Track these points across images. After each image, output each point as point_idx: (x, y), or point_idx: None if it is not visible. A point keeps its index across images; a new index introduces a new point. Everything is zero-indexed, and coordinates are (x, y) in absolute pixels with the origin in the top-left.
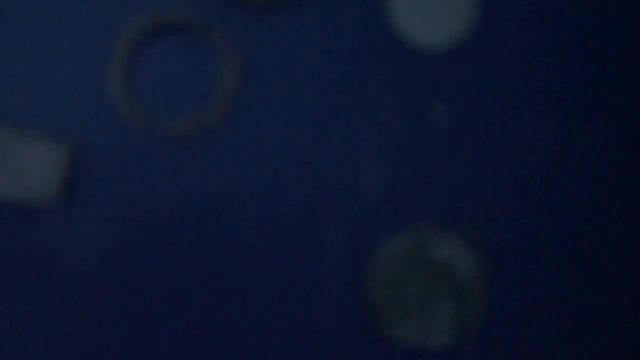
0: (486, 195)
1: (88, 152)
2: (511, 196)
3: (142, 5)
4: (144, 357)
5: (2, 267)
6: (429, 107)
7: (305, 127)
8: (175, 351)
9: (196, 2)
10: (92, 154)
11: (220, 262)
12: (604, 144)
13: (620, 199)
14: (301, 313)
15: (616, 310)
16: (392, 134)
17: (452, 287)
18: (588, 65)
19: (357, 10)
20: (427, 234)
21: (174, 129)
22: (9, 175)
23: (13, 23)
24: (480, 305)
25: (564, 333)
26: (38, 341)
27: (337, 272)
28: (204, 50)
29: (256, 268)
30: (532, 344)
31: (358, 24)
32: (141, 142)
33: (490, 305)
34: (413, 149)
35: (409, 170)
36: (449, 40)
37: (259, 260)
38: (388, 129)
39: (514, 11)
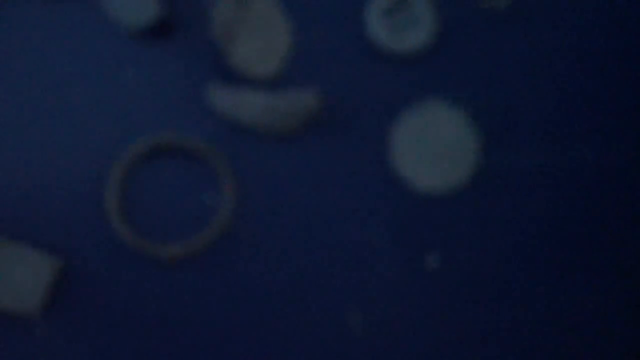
0: (476, 341)
1: (79, 268)
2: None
3: (144, 126)
4: None
5: None
6: (424, 249)
7: (297, 262)
8: None
9: (199, 126)
10: (82, 271)
11: None
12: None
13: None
14: None
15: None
16: (386, 274)
17: None
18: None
19: (360, 151)
20: None
21: (168, 252)
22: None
23: (16, 135)
24: None
25: None
26: None
27: None
28: (203, 174)
29: None
30: None
31: (359, 164)
32: (134, 263)
33: None
34: (405, 290)
35: (399, 310)
36: (447, 185)
37: None
38: (382, 269)
39: (513, 156)
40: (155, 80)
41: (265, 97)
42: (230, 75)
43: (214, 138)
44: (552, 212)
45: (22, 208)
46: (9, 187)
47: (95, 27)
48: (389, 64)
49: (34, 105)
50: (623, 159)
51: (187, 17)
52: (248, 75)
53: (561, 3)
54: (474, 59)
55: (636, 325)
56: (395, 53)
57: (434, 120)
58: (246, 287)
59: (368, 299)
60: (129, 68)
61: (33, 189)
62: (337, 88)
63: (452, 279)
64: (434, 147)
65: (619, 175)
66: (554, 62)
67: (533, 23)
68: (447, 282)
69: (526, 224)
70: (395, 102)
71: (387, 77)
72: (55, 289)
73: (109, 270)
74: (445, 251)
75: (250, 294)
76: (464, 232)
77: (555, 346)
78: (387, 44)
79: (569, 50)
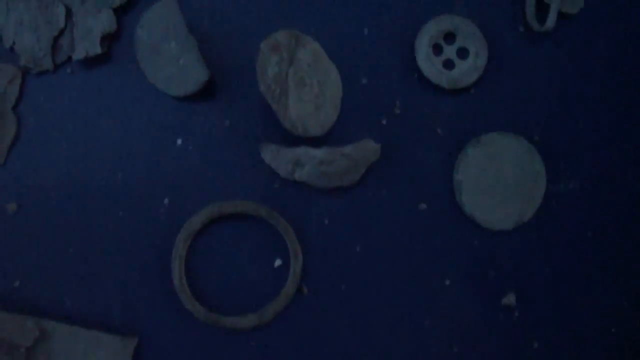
0: None
1: (152, 345)
2: None
3: (203, 193)
4: None
5: None
6: (499, 286)
7: (372, 313)
8: None
9: (256, 187)
10: (155, 347)
11: None
12: None
13: None
14: None
15: None
16: (464, 313)
17: None
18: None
19: (423, 192)
20: None
21: (237, 323)
22: None
23: (78, 223)
24: None
25: None
26: None
27: None
28: (267, 238)
29: None
30: None
31: (424, 206)
32: (203, 335)
33: None
34: (485, 327)
35: (481, 349)
36: (516, 218)
37: None
38: (460, 308)
39: (574, 183)
40: (208, 144)
41: (322, 152)
42: (284, 131)
43: (274, 198)
44: (619, 236)
45: (92, 292)
46: (76, 273)
47: (143, 93)
48: (444, 99)
49: (89, 185)
50: None
51: (233, 75)
52: (304, 131)
53: (609, 22)
54: (528, 85)
55: None
56: (449, 87)
57: (496, 151)
58: (323, 344)
59: (449, 338)
60: (179, 134)
61: (99, 272)
62: (393, 131)
63: (528, 315)
64: (499, 179)
65: None
66: (607, 83)
67: (583, 45)
68: (524, 318)
69: (595, 250)
70: (455, 138)
71: (445, 112)
72: None
73: (181, 343)
74: (520, 285)
75: (329, 350)
76: (537, 266)
77: None
78: (440, 79)
79: (621, 70)
